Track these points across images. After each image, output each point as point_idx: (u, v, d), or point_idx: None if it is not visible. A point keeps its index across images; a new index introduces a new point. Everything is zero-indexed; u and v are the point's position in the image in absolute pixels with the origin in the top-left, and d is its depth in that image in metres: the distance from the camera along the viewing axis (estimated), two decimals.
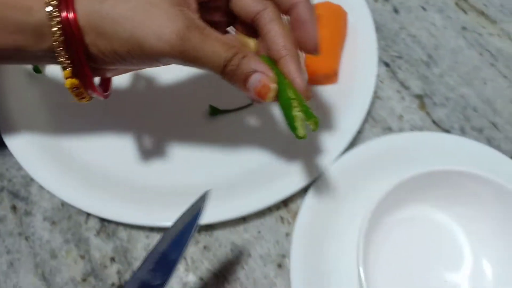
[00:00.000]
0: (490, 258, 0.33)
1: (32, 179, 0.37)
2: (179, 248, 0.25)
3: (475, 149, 0.38)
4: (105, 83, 0.32)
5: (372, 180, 0.35)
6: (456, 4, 0.47)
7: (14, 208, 0.37)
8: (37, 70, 0.41)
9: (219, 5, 0.31)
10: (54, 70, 0.42)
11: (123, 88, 0.42)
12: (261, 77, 0.27)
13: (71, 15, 0.25)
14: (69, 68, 0.27)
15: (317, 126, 0.28)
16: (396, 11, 0.47)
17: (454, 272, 0.34)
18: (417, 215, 0.35)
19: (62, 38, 0.26)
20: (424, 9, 0.47)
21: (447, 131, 0.41)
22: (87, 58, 0.27)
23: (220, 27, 0.32)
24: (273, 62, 0.29)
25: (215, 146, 0.39)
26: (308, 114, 0.28)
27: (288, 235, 0.36)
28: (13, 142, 0.36)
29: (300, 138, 0.28)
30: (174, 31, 0.25)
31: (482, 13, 0.47)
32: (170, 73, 0.42)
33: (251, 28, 0.31)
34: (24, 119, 0.38)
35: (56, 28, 0.25)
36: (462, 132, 0.41)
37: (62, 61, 0.26)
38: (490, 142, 0.41)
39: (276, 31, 0.29)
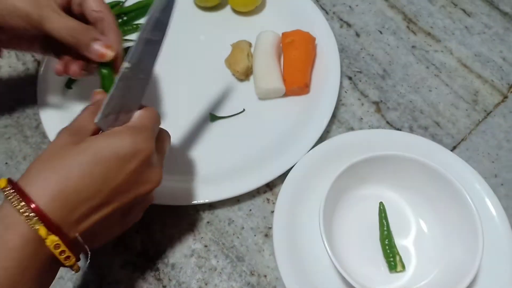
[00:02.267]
0: (425, 218, 0.43)
1: None
2: (167, 13, 0.34)
3: (421, 143, 0.48)
4: None
5: (335, 167, 0.44)
6: (407, 27, 0.58)
7: None
8: (69, 86, 0.52)
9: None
10: (81, 86, 0.52)
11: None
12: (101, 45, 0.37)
13: None
14: None
15: (404, 267, 0.41)
16: (357, 35, 0.58)
17: (403, 238, 0.43)
18: (372, 194, 0.45)
19: None
20: (380, 32, 0.58)
21: (398, 129, 0.51)
22: None
23: None
24: None
25: (215, 144, 0.49)
26: (400, 256, 0.42)
27: (273, 212, 0.46)
28: None
29: (398, 271, 0.41)
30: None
31: (429, 34, 0.58)
32: (181, 91, 0.53)
33: None
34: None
35: None
36: (411, 130, 0.51)
37: None
38: (434, 137, 0.51)
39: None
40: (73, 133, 0.32)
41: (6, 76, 0.54)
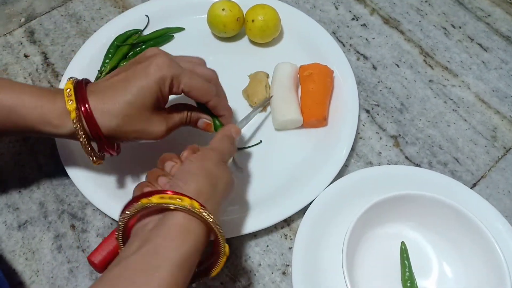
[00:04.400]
0: (449, 262, 0.42)
1: (87, 203, 0.47)
2: None
3: (441, 180, 0.47)
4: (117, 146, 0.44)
5: (355, 203, 0.44)
6: (424, 61, 0.58)
7: (73, 226, 0.46)
8: None
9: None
10: None
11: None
12: (204, 120, 0.44)
13: (92, 126, 0.38)
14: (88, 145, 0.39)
15: None
16: (374, 67, 0.57)
17: (424, 279, 0.42)
18: (393, 232, 0.44)
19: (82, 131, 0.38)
20: (397, 65, 0.58)
21: (417, 165, 0.50)
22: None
23: None
24: None
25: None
26: None
27: (290, 248, 0.45)
28: (74, 174, 0.46)
29: None
30: (164, 125, 0.41)
31: (446, 68, 0.58)
32: None
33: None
34: (81, 155, 0.47)
35: (78, 127, 0.37)
36: (430, 166, 0.50)
37: (83, 140, 0.38)
38: (453, 174, 0.50)
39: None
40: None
41: None
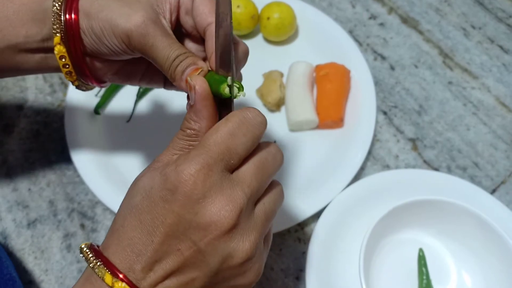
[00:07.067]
0: (469, 271, 0.40)
1: (97, 202, 0.46)
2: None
3: (460, 185, 0.46)
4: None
5: (371, 208, 0.43)
6: (443, 62, 0.57)
7: (82, 226, 0.45)
8: (97, 112, 0.51)
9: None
10: (109, 113, 0.51)
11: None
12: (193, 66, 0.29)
13: (73, 16, 0.30)
14: (59, 38, 0.30)
15: None
16: (392, 68, 0.56)
17: (442, 287, 0.41)
18: (411, 238, 0.43)
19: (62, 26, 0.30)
20: (416, 66, 0.56)
21: (436, 169, 0.49)
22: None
23: None
24: None
25: None
26: None
27: (304, 253, 0.44)
28: (84, 172, 0.45)
29: None
30: (142, 16, 0.29)
31: (465, 70, 0.56)
32: None
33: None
34: (91, 153, 0.47)
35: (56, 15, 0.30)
36: (449, 170, 0.49)
37: (57, 36, 0.30)
38: (472, 179, 0.48)
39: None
40: None
41: (32, 99, 0.53)
